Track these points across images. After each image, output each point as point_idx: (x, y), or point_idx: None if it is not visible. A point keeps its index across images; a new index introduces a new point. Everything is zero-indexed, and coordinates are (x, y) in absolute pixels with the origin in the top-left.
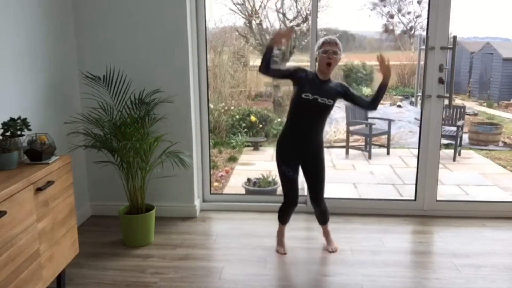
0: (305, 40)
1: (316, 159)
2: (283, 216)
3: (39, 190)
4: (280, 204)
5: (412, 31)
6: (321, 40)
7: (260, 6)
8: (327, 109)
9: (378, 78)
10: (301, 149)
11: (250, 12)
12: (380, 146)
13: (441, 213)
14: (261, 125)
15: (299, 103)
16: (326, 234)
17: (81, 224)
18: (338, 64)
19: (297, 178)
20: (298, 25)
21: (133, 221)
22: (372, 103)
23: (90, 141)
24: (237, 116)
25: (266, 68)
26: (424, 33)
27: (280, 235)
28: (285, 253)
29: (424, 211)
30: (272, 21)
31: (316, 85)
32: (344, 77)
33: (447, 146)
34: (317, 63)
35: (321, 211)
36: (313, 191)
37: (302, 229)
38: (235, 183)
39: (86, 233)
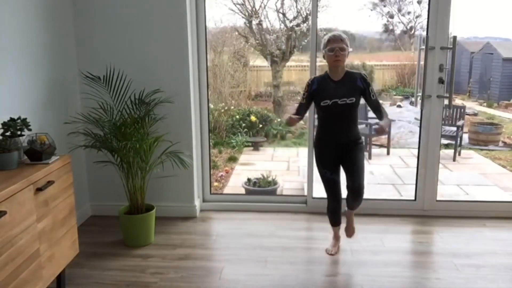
0: (305, 40)
1: (352, 152)
2: (330, 217)
3: (39, 190)
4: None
5: (412, 31)
6: (326, 38)
7: (260, 6)
8: (351, 107)
9: (378, 78)
10: (336, 150)
11: (250, 12)
12: (380, 146)
13: (441, 213)
14: (261, 125)
15: (321, 110)
16: (350, 218)
17: (81, 224)
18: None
19: (336, 179)
20: (298, 25)
21: (133, 221)
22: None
23: (90, 141)
24: (237, 116)
25: (299, 119)
26: (424, 33)
27: (334, 237)
28: (331, 254)
29: (424, 211)
30: (272, 21)
31: (331, 88)
32: None
33: (447, 146)
34: (326, 63)
35: (357, 199)
36: (350, 181)
37: (302, 229)
38: (235, 183)
39: (86, 233)
